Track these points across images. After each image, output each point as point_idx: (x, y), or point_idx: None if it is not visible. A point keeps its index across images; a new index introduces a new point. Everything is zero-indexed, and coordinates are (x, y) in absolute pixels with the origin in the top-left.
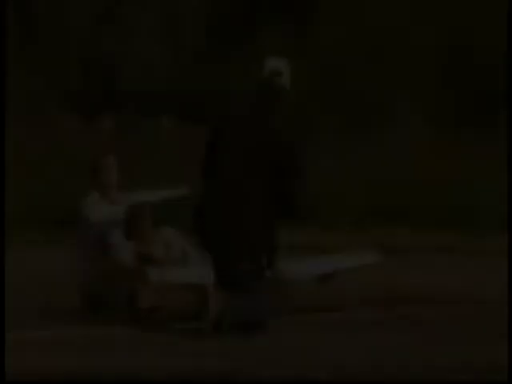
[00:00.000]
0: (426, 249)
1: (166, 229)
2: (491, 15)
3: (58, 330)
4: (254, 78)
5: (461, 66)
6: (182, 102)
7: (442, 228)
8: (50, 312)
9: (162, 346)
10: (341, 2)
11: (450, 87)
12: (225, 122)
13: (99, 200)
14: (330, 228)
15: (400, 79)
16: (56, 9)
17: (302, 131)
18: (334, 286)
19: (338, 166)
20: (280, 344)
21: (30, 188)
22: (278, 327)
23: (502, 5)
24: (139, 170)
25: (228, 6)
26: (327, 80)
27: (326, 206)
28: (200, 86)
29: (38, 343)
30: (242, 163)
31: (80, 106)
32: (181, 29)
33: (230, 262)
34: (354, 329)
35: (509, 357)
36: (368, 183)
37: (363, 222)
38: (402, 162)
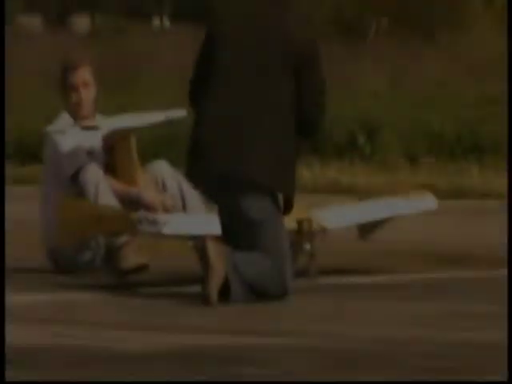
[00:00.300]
0: (499, 194)
1: (158, 163)
2: None
3: (22, 296)
4: None
5: None
6: None
7: None
8: (18, 273)
9: (152, 315)
10: None
11: None
12: (226, 18)
13: (71, 124)
14: (376, 166)
15: None
16: None
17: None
18: (380, 241)
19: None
20: (304, 314)
21: None
22: (304, 293)
23: None
24: (123, 86)
25: None
26: None
27: (370, 137)
28: None
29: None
30: (249, 70)
31: (45, 4)
32: None
33: (237, 206)
34: (403, 296)
35: (509, 356)
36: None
37: (417, 158)
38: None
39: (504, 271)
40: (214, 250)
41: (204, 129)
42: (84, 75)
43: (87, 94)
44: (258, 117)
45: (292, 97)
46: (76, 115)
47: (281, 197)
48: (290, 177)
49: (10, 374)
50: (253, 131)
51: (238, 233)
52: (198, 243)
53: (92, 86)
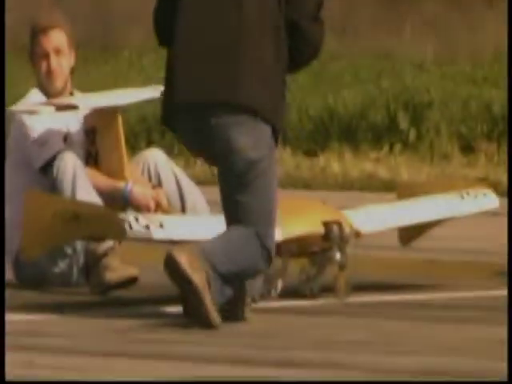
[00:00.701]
0: None
1: (151, 151)
2: None
3: None
4: None
5: None
6: None
7: None
8: None
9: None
10: None
11: None
12: None
13: (42, 103)
14: (419, 152)
15: None
16: None
17: None
18: (425, 249)
19: None
20: (329, 340)
21: None
22: (331, 314)
23: None
24: (105, 54)
25: None
26: None
27: (415, 119)
28: None
29: None
30: None
31: None
32: None
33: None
34: (451, 318)
35: (509, 357)
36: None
37: (475, 145)
38: None
39: None
40: (187, 263)
41: (179, 59)
42: (56, 40)
43: (60, 63)
44: (240, 37)
45: (280, 9)
46: (48, 90)
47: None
48: (280, 105)
49: None
50: (237, 53)
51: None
52: (167, 260)
53: (66, 53)
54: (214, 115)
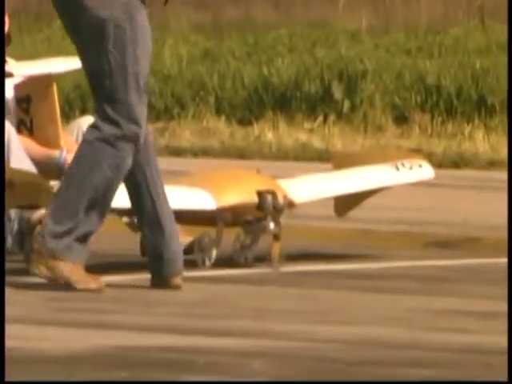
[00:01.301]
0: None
1: (85, 120)
2: None
3: None
4: None
5: None
6: None
7: None
8: None
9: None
10: None
11: None
12: None
13: None
14: (354, 123)
15: None
16: None
17: None
18: (359, 219)
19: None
20: (264, 310)
21: None
22: (264, 283)
23: None
24: (40, 20)
25: None
26: None
27: (349, 89)
28: None
29: None
30: None
31: None
32: None
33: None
34: (382, 288)
35: (509, 356)
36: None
37: (409, 116)
38: None
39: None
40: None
41: None
42: None
43: None
44: None
45: None
46: None
47: None
48: None
49: None
50: None
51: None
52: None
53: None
54: None
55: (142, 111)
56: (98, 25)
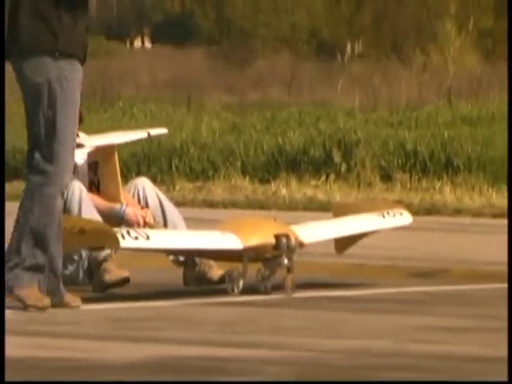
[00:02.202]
0: (471, 210)
1: (140, 180)
2: None
3: (12, 308)
4: None
5: None
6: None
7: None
8: None
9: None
10: None
11: None
12: None
13: None
14: (349, 181)
15: None
16: None
17: None
18: (355, 256)
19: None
20: (280, 327)
21: None
22: (280, 306)
23: None
24: (105, 104)
25: None
26: None
27: (346, 155)
28: None
29: None
30: None
31: None
32: None
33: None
34: (376, 309)
35: (509, 357)
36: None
37: (392, 175)
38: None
39: (478, 286)
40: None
41: None
42: None
43: None
44: None
45: None
46: None
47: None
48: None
49: None
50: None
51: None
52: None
53: None
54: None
55: (68, 161)
56: (35, 87)
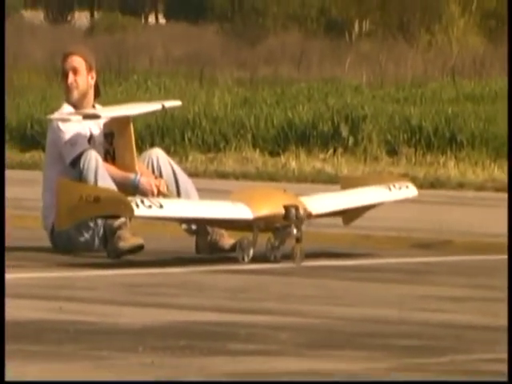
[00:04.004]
0: (473, 184)
1: (154, 150)
2: None
3: (24, 273)
4: None
5: None
6: None
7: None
8: (15, 252)
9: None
10: None
11: None
12: None
13: (71, 113)
14: (356, 154)
15: None
16: None
17: None
18: (362, 227)
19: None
20: (290, 294)
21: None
22: (290, 275)
23: None
24: (120, 77)
25: None
26: None
27: (353, 129)
28: None
29: (10, 288)
30: None
31: (47, 0)
32: None
33: None
34: (382, 278)
35: (509, 357)
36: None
37: (398, 150)
38: None
39: (479, 257)
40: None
41: None
42: (73, 62)
43: (76, 80)
44: None
45: None
46: (68, 101)
47: None
48: None
49: (14, 348)
50: None
51: None
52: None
53: (82, 73)
54: None
55: None
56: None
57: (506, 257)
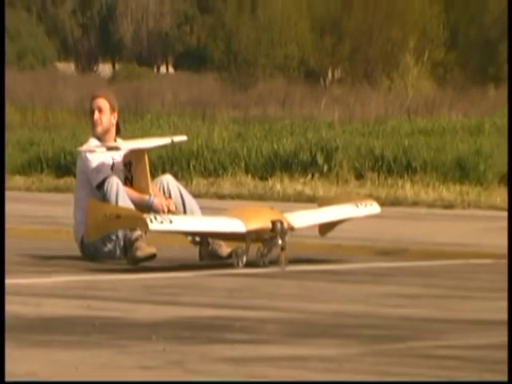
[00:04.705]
0: (426, 203)
1: (165, 176)
2: None
3: (59, 277)
4: None
5: None
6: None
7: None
8: (52, 260)
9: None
10: None
11: None
12: None
13: (98, 145)
14: (330, 179)
15: None
16: None
17: None
18: (336, 237)
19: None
20: (275, 294)
21: (31, 135)
22: (275, 278)
23: None
24: (136, 117)
25: None
26: None
27: (327, 158)
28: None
29: (39, 290)
30: None
31: (77, 53)
32: None
33: None
34: (353, 280)
35: (508, 356)
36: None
37: (364, 174)
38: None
39: (431, 262)
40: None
41: None
42: (99, 103)
43: (100, 117)
44: None
45: None
46: (94, 135)
47: None
48: None
49: (47, 338)
50: None
51: None
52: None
53: (107, 113)
54: None
55: None
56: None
57: (452, 262)
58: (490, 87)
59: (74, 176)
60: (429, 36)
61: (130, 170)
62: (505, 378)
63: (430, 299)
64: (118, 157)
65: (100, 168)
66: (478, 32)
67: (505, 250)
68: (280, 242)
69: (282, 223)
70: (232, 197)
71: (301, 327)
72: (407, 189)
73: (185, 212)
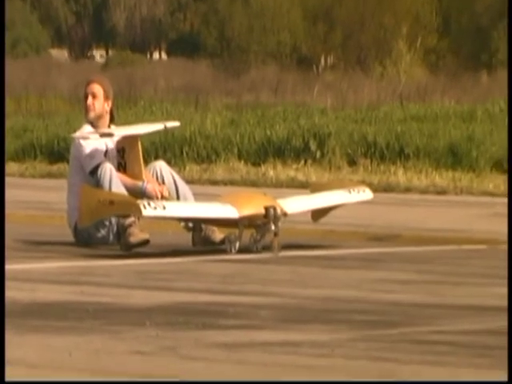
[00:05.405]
0: (418, 189)
1: (158, 162)
2: None
3: (52, 263)
4: None
5: None
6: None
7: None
8: (45, 245)
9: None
10: None
11: None
12: None
13: (91, 132)
14: (323, 165)
15: None
16: None
17: None
18: (328, 223)
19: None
20: (268, 279)
21: (25, 122)
22: (269, 263)
23: None
24: (129, 103)
25: None
26: None
27: (320, 144)
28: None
29: (33, 276)
30: None
31: (71, 40)
32: None
33: None
34: (344, 265)
35: (508, 355)
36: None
37: (357, 161)
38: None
39: (423, 248)
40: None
41: None
42: (93, 88)
43: (93, 103)
44: None
45: None
46: (87, 120)
47: None
48: None
49: (40, 323)
50: None
51: None
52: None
53: (99, 98)
54: None
55: None
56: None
57: (445, 247)
58: (482, 74)
59: (68, 162)
60: (421, 22)
61: (123, 156)
62: (496, 362)
63: (422, 285)
64: (111, 143)
65: (93, 154)
66: (471, 19)
67: (497, 236)
68: (273, 227)
69: (274, 209)
70: (225, 183)
71: (293, 313)
72: (400, 175)
73: (178, 198)
